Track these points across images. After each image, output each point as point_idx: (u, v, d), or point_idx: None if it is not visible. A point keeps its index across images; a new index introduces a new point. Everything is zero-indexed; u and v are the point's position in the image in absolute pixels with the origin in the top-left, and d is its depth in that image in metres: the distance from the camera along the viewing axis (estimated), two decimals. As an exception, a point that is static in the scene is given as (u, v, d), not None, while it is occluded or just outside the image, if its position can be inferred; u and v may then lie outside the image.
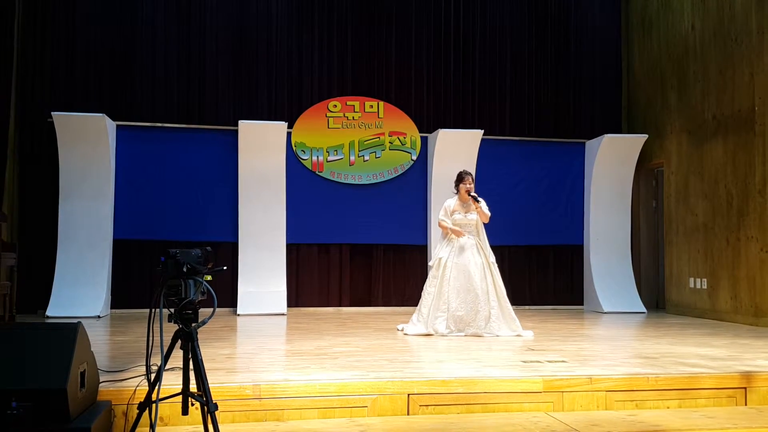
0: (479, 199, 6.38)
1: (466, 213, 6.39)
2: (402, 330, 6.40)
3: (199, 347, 3.03)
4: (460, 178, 6.48)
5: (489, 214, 6.38)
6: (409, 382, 3.84)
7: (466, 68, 9.45)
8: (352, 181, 8.99)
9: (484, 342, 5.78)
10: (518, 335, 6.14)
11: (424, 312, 6.27)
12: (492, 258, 6.38)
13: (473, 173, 8.69)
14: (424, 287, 6.46)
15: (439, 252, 6.42)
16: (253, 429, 3.52)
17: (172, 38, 8.73)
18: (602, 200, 9.19)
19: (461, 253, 6.29)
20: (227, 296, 8.26)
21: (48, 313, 7.53)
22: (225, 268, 3.23)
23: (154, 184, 8.43)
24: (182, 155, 8.54)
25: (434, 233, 8.09)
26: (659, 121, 9.10)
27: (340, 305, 8.98)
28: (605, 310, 8.70)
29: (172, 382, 3.37)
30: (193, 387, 3.12)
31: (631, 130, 9.62)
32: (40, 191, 8.14)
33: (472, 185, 6.45)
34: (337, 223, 8.91)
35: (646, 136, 9.10)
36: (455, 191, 6.53)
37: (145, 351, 2.98)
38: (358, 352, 5.04)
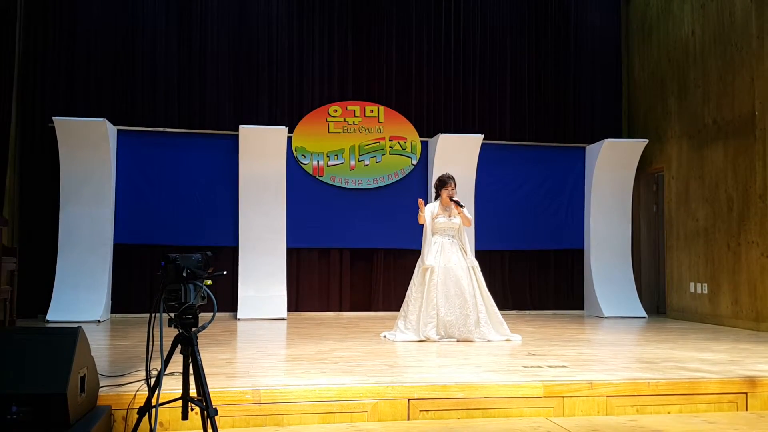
0: (462, 204, 6.33)
1: (450, 217, 6.34)
2: (386, 337, 6.27)
3: (199, 352, 3.02)
4: (443, 183, 6.38)
5: (471, 218, 6.33)
6: (409, 387, 3.84)
7: (466, 73, 9.46)
8: (353, 186, 9.00)
9: (483, 347, 5.75)
10: (507, 339, 6.13)
11: (412, 319, 6.17)
12: (474, 261, 6.33)
13: (474, 177, 8.81)
14: (409, 293, 6.34)
15: (426, 255, 6.26)
16: (253, 434, 3.52)
17: (173, 43, 8.74)
18: (603, 205, 9.18)
19: (447, 258, 6.20)
20: (227, 301, 8.26)
21: (48, 317, 7.53)
22: (225, 272, 3.23)
23: (154, 189, 8.44)
24: (183, 160, 8.54)
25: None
26: (660, 126, 9.10)
27: (340, 310, 8.96)
28: (606, 315, 8.68)
29: (171, 386, 3.37)
30: (193, 392, 3.12)
31: (631, 135, 9.63)
32: (41, 196, 8.14)
33: (455, 190, 6.36)
34: (337, 227, 8.91)
35: (647, 140, 9.10)
36: (436, 195, 6.45)
37: (145, 356, 2.97)
38: (358, 357, 5.04)
